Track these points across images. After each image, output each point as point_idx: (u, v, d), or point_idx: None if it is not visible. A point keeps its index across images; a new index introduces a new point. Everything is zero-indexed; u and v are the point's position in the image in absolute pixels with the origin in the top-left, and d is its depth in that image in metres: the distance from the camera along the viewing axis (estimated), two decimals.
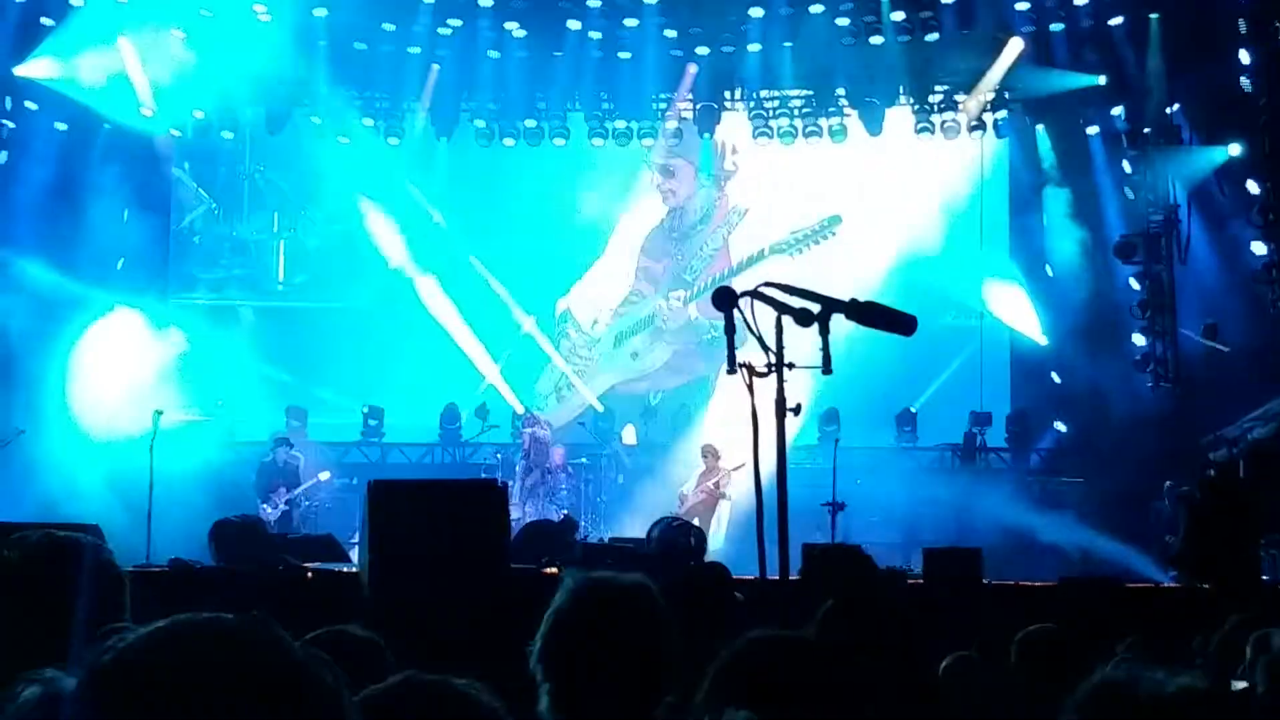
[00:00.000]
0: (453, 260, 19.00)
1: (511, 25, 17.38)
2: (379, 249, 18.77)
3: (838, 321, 4.71)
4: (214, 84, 17.28)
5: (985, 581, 10.77)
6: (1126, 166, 16.80)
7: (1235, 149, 15.47)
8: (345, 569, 11.55)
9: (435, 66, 18.00)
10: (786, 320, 4.62)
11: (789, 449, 4.78)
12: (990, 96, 17.74)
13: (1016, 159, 18.24)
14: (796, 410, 4.70)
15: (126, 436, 15.32)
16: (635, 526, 14.41)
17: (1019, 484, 16.65)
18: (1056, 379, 17.37)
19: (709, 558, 12.21)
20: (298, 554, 11.75)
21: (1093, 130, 17.24)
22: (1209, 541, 11.15)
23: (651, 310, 19.53)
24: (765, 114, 18.34)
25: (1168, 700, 2.06)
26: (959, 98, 17.82)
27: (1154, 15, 16.04)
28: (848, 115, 18.10)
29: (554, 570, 10.68)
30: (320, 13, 17.02)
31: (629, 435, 18.59)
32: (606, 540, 13.46)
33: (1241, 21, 15.01)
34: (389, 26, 17.46)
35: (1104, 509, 15.16)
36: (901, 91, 17.94)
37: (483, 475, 16.51)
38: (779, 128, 18.36)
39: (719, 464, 16.51)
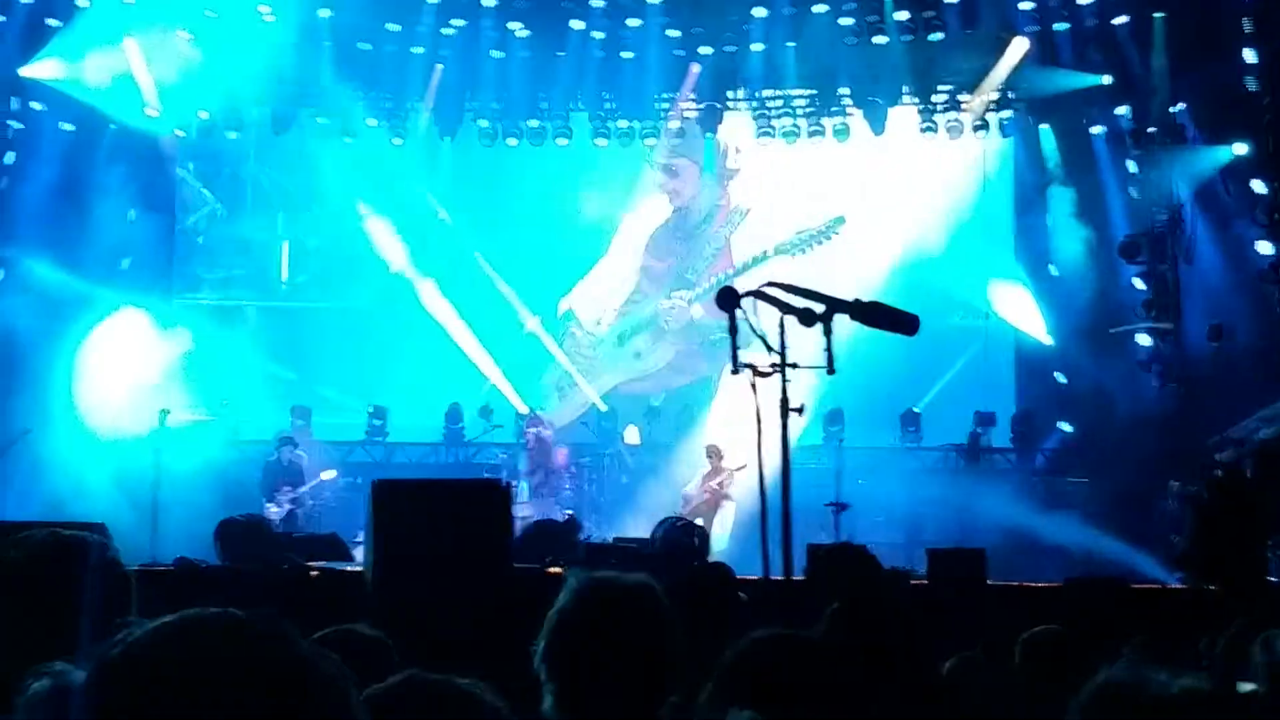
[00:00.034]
0: (456, 260, 19.01)
1: (515, 25, 17.40)
2: (380, 253, 18.79)
3: (841, 321, 4.71)
4: (219, 84, 17.31)
5: (989, 582, 10.75)
6: (1131, 166, 16.79)
7: (1240, 148, 15.45)
8: (349, 568, 11.55)
9: (439, 66, 18.02)
10: (790, 320, 4.62)
11: (792, 449, 4.78)
12: (994, 96, 17.73)
13: (1021, 159, 18.22)
14: (800, 410, 4.70)
15: (132, 436, 15.35)
16: (639, 526, 14.41)
17: (1023, 484, 16.64)
18: (1061, 379, 17.35)
19: (713, 558, 12.21)
20: (302, 553, 11.76)
21: (1097, 130, 17.22)
22: (1215, 542, 11.14)
23: (654, 310, 19.52)
24: (768, 113, 18.34)
25: (1172, 701, 2.06)
26: (963, 97, 17.81)
27: (1158, 14, 16.03)
28: (851, 115, 18.09)
29: (558, 570, 10.67)
30: (325, 13, 17.06)
31: (632, 435, 18.59)
32: (610, 540, 13.46)
33: (1246, 20, 14.99)
34: (393, 27, 17.48)
35: (1109, 509, 15.13)
36: (905, 91, 17.92)
37: (486, 475, 16.51)
38: (782, 127, 18.35)
39: (722, 464, 16.49)
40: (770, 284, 4.77)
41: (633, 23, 17.33)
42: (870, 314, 4.74)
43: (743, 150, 19.26)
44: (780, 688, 2.98)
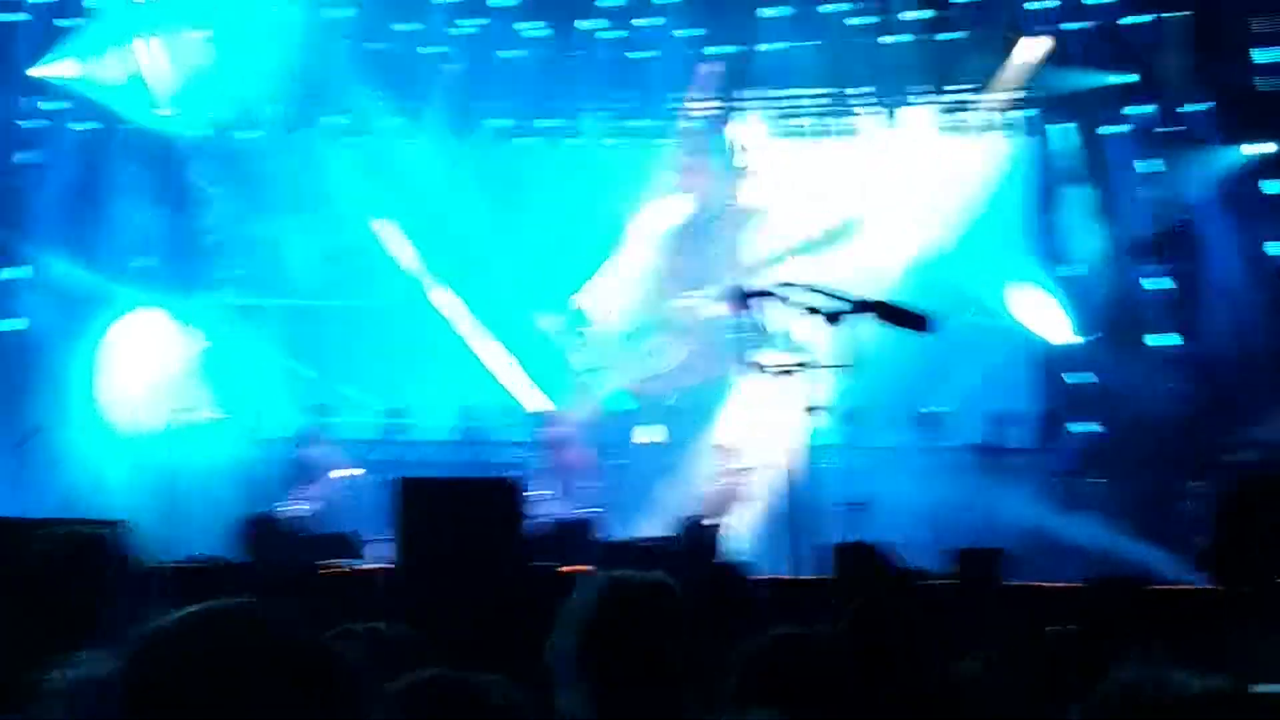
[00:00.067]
0: (470, 259, 19.02)
1: (528, 25, 17.43)
2: (394, 258, 18.83)
3: (858, 320, 4.71)
4: (234, 84, 17.37)
5: (1007, 582, 10.72)
6: (1150, 165, 16.75)
7: (1259, 148, 15.41)
8: (365, 566, 11.59)
9: (453, 66, 18.05)
10: (806, 319, 4.62)
11: (809, 448, 4.78)
12: (1011, 95, 17.69)
13: (1038, 158, 18.16)
14: (816, 409, 4.70)
15: (150, 433, 15.42)
16: (655, 525, 14.41)
17: (1041, 484, 16.59)
18: (1080, 379, 17.31)
19: (730, 557, 12.21)
20: (320, 550, 11.80)
21: (1115, 129, 17.17)
22: (1238, 542, 11.10)
23: (667, 309, 19.51)
24: (782, 113, 18.32)
25: (1192, 701, 2.05)
26: (979, 96, 17.77)
27: (1177, 14, 15.98)
28: (866, 114, 18.07)
29: (574, 569, 10.68)
30: (339, 13, 17.10)
31: (647, 434, 18.59)
32: (627, 539, 13.47)
33: (1265, 20, 14.95)
34: (407, 26, 17.52)
35: (1128, 509, 15.10)
36: (921, 90, 17.89)
37: (504, 474, 16.53)
38: (796, 126, 18.33)
39: (738, 463, 16.48)
40: (785, 283, 4.77)
41: (646, 22, 17.35)
42: (886, 313, 4.74)
43: (757, 150, 19.24)
44: (799, 686, 2.98)
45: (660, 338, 19.58)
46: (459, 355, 18.79)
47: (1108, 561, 13.77)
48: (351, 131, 18.46)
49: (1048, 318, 17.64)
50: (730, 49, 17.69)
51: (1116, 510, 15.25)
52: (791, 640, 3.09)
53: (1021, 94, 17.68)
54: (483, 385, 18.79)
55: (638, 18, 17.31)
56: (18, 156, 16.65)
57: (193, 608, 1.58)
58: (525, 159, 18.96)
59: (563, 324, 19.48)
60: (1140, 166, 16.92)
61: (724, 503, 16.43)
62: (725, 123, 18.62)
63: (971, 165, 18.34)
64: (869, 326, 4.90)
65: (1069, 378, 17.43)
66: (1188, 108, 16.19)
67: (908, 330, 4.85)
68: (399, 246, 18.92)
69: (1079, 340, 17.25)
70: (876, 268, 17.42)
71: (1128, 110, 16.91)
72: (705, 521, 12.48)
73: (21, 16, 16.01)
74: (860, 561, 8.41)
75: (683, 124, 18.70)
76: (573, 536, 12.58)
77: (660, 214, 19.72)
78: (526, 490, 11.52)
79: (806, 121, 18.29)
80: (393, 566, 9.32)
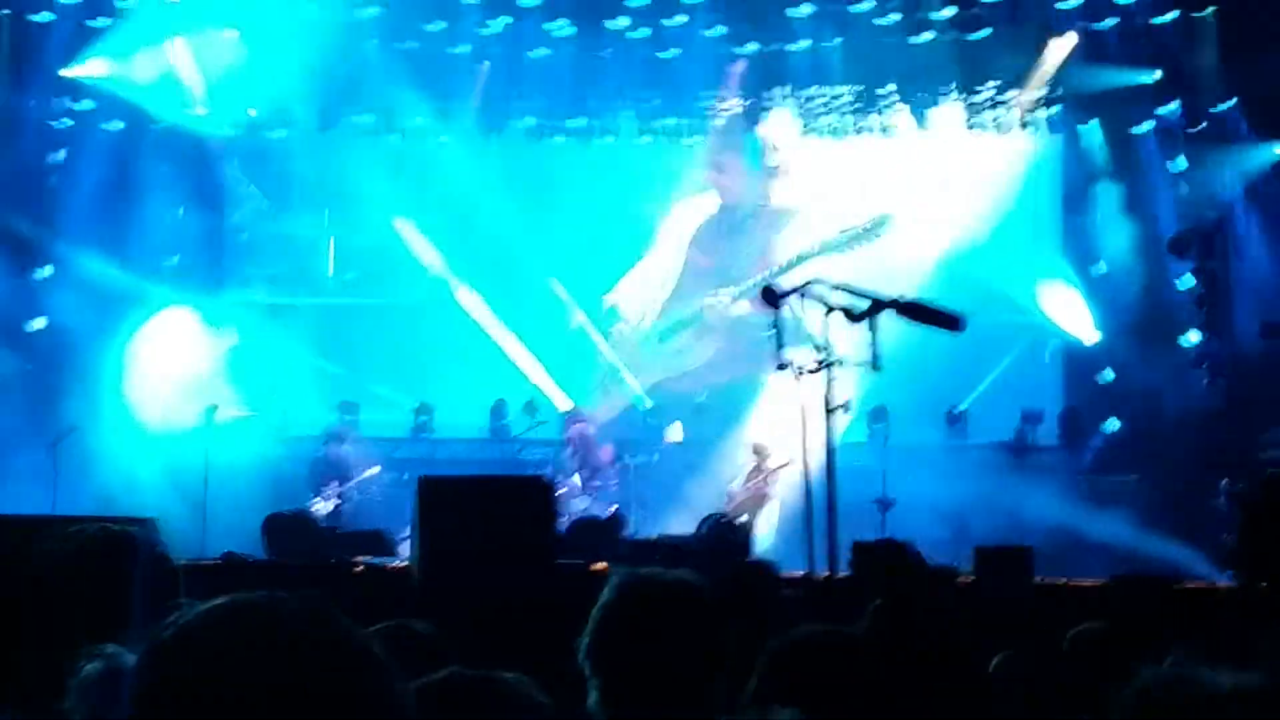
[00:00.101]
0: (501, 258, 19.04)
1: (559, 24, 17.44)
2: (419, 258, 18.88)
3: (886, 319, 4.70)
4: (266, 82, 17.42)
5: (1036, 580, 10.70)
6: (1180, 162, 16.67)
7: None
8: (394, 564, 11.62)
9: (484, 65, 18.07)
10: (835, 318, 4.61)
11: (837, 446, 4.77)
12: (1041, 92, 17.61)
13: (1068, 155, 18.09)
14: (845, 408, 4.69)
15: (181, 431, 15.49)
16: (683, 523, 14.40)
17: (1070, 482, 16.52)
18: (1109, 376, 17.24)
19: (757, 555, 12.20)
20: (348, 548, 11.84)
21: (1146, 126, 17.08)
22: (1266, 540, 11.03)
23: (698, 307, 19.50)
24: (813, 111, 18.29)
25: (1222, 699, 2.04)
26: (1009, 94, 17.70)
27: (1208, 9, 15.89)
28: (896, 112, 18.02)
29: (602, 566, 10.70)
30: (370, 12, 17.15)
31: (675, 432, 18.58)
32: (654, 537, 13.47)
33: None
34: (438, 25, 17.55)
35: (1157, 507, 15.03)
36: (951, 88, 17.84)
37: (532, 471, 16.56)
38: (827, 125, 18.29)
39: (767, 462, 16.47)
40: (815, 281, 4.76)
41: (677, 20, 17.34)
42: (915, 311, 4.72)
43: (788, 148, 19.20)
44: (823, 685, 2.98)
45: (689, 336, 19.58)
46: (488, 353, 18.83)
47: (1135, 559, 13.71)
48: (381, 131, 18.51)
49: (1076, 316, 17.58)
50: (760, 48, 17.66)
51: (1144, 508, 15.17)
52: (815, 639, 3.09)
53: (1051, 92, 17.61)
54: (511, 383, 18.82)
55: (667, 17, 17.30)
56: (50, 156, 16.75)
57: (217, 600, 1.58)
58: (555, 158, 18.98)
59: (593, 323, 19.51)
60: (1169, 165, 16.83)
61: (752, 501, 16.42)
62: (755, 122, 18.61)
63: (1000, 163, 18.29)
64: (898, 325, 4.87)
65: (1097, 376, 17.36)
66: (1218, 107, 16.09)
67: (938, 329, 4.83)
68: (427, 245, 18.98)
69: (1108, 338, 17.17)
70: (906, 266, 17.38)
71: (1157, 109, 16.83)
72: (734, 520, 12.47)
73: (54, 17, 16.10)
74: (882, 559, 8.39)
75: (713, 123, 18.70)
76: (600, 534, 12.58)
77: (690, 213, 19.72)
78: (555, 488, 11.55)
79: (836, 120, 18.25)
80: (419, 563, 9.35)
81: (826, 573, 4.72)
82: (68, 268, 16.14)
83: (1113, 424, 17.12)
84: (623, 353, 19.58)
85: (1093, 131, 17.52)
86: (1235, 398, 15.87)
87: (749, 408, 18.53)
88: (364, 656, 1.57)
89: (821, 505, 4.70)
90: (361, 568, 11.20)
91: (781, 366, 4.69)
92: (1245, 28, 15.56)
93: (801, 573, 4.98)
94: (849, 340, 4.82)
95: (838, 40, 17.30)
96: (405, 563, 11.02)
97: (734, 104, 18.57)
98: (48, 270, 16.24)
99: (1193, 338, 16.34)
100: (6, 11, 15.99)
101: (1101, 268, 17.27)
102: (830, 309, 4.68)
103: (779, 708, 2.56)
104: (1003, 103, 17.69)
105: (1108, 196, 17.29)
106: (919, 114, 17.77)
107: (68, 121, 16.75)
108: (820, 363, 4.67)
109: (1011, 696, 5.06)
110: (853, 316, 4.68)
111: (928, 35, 16.75)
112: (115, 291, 16.16)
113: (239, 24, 17.09)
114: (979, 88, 17.76)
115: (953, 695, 4.10)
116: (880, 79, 17.86)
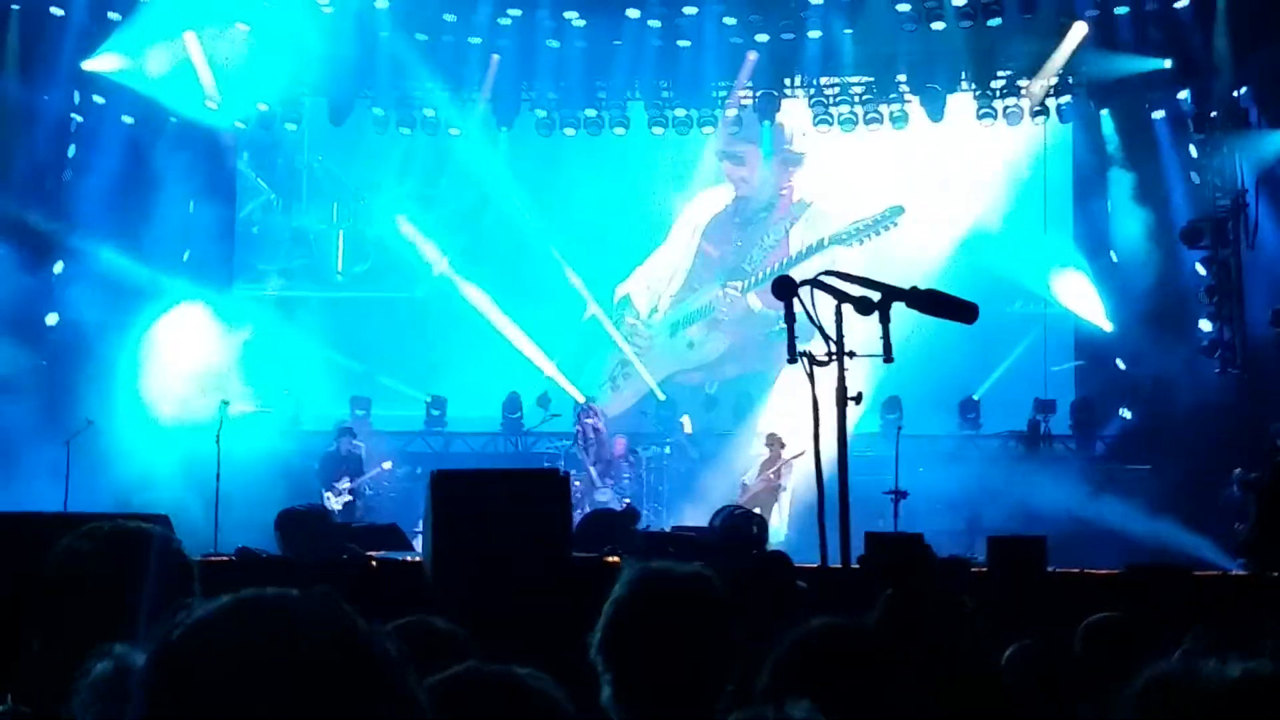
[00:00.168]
0: (513, 249, 19.06)
1: (571, 14, 17.44)
2: (423, 255, 18.90)
3: (900, 310, 4.69)
4: (277, 76, 17.45)
5: (1049, 569, 10.68)
6: (1193, 150, 16.62)
7: None
8: (408, 558, 11.62)
9: (496, 56, 18.07)
10: (847, 309, 4.61)
11: (850, 437, 4.77)
12: (1054, 81, 17.58)
13: (1080, 143, 18.07)
14: (858, 399, 4.69)
15: (195, 425, 15.52)
16: (697, 515, 14.42)
17: (1084, 471, 16.50)
18: (1122, 365, 17.20)
19: (771, 546, 12.20)
20: (361, 543, 11.83)
21: (1158, 114, 17.05)
22: (1276, 530, 11.01)
23: (710, 299, 19.51)
24: (826, 101, 18.27)
25: (1231, 687, 2.03)
26: (1022, 82, 17.67)
27: None
28: (909, 101, 17.99)
29: (615, 559, 10.69)
30: (382, 4, 17.16)
31: (689, 424, 18.59)
32: (668, 529, 13.47)
33: None
34: (450, 17, 17.55)
35: (1170, 496, 14.99)
36: (964, 77, 17.83)
37: (545, 464, 16.58)
38: (840, 115, 18.26)
39: (782, 453, 16.48)
40: (827, 273, 4.75)
41: (689, 11, 17.33)
42: (929, 302, 4.71)
43: (801, 138, 19.19)
44: (837, 676, 2.98)
45: (701, 329, 19.58)
46: (500, 346, 18.85)
47: (1148, 549, 13.68)
48: (391, 124, 18.51)
49: (1090, 304, 17.54)
50: (774, 38, 17.62)
51: (1156, 497, 15.13)
52: (828, 630, 3.09)
53: (1062, 81, 17.56)
54: (525, 376, 18.84)
55: (679, 7, 17.27)
56: (63, 151, 16.76)
57: (226, 598, 1.58)
58: (567, 149, 18.99)
59: (607, 313, 19.53)
60: (1184, 152, 16.78)
61: (765, 492, 16.43)
62: (769, 112, 18.59)
63: (1012, 152, 18.27)
64: (911, 315, 4.87)
65: (1110, 364, 17.32)
66: (1230, 94, 16.03)
67: (951, 319, 4.82)
68: (441, 238, 19.00)
69: (1121, 327, 17.13)
70: (919, 256, 17.37)
71: (1171, 94, 16.77)
72: (740, 512, 12.47)
73: (69, 12, 16.12)
74: (897, 550, 8.40)
75: (725, 114, 18.69)
76: (614, 527, 12.57)
77: (705, 203, 19.72)
78: (569, 481, 11.54)
79: (848, 110, 18.21)
80: (432, 558, 9.34)
81: (839, 564, 4.71)
82: (81, 263, 16.16)
83: (1126, 413, 17.08)
84: (634, 345, 19.60)
85: (1104, 120, 17.46)
86: (1248, 386, 15.82)
87: (762, 400, 18.54)
88: (375, 653, 1.56)
89: (834, 496, 4.69)
90: (375, 563, 11.20)
91: (794, 359, 4.68)
92: (1257, 15, 15.48)
93: (818, 563, 4.97)
94: (861, 332, 4.82)
95: (850, 30, 17.26)
96: (418, 557, 11.02)
97: (747, 94, 18.54)
98: (60, 266, 16.25)
99: (1205, 326, 16.28)
100: (17, 6, 16.01)
101: (1115, 255, 17.22)
102: (842, 300, 4.67)
103: (792, 700, 2.56)
104: (1014, 91, 17.65)
105: (1120, 185, 17.25)
106: (931, 104, 17.73)
107: (85, 116, 16.76)
108: (832, 354, 4.66)
109: (1025, 686, 5.05)
110: (865, 308, 4.67)
111: (940, 24, 16.70)
112: (128, 286, 16.18)
113: (250, 19, 17.11)
114: (991, 77, 17.73)
115: (965, 686, 4.10)
116: (893, 69, 17.83)
